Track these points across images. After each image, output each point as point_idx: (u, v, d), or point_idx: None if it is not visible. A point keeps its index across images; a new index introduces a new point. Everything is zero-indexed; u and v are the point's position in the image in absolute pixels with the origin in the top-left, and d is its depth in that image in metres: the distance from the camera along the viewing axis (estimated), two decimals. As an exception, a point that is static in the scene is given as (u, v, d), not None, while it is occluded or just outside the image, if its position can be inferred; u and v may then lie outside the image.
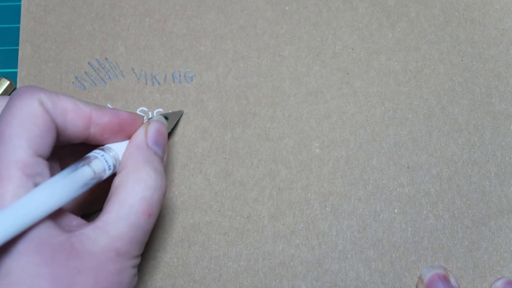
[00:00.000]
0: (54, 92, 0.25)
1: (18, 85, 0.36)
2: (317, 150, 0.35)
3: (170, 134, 0.34)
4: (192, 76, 0.36)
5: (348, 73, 0.37)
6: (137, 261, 0.26)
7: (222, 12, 0.38)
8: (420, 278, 0.32)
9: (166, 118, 0.32)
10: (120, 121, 0.27)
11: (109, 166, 0.25)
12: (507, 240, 0.34)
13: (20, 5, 0.38)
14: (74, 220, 0.25)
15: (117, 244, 0.24)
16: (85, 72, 0.37)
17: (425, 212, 0.34)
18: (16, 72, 0.37)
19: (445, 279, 0.31)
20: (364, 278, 0.33)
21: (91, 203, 0.31)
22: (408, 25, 0.37)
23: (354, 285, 0.33)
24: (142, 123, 0.29)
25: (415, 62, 0.37)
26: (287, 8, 0.38)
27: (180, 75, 0.36)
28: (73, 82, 0.36)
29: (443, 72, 0.37)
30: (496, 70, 0.37)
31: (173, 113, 0.34)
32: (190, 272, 0.33)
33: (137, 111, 0.36)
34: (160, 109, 0.36)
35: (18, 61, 0.37)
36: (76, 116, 0.25)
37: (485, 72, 0.37)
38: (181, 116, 0.35)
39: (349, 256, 0.33)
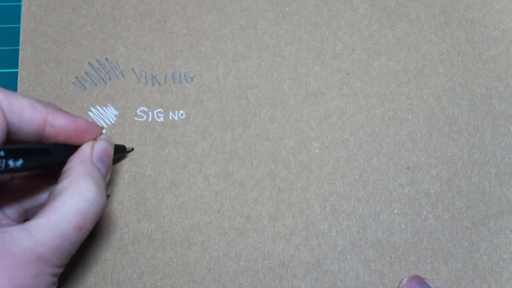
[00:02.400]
0: (12, 91, 0.25)
1: (18, 85, 0.36)
2: (317, 151, 0.35)
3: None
4: (192, 76, 0.36)
5: (348, 74, 0.37)
6: (59, 270, 0.25)
7: (223, 13, 0.38)
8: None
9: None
10: (76, 127, 0.27)
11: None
12: (506, 241, 0.34)
13: (20, 5, 0.38)
14: (5, 220, 0.25)
15: (39, 249, 0.23)
16: (85, 72, 0.37)
17: (424, 212, 0.34)
18: (16, 72, 0.37)
19: (422, 280, 0.31)
20: (364, 279, 0.33)
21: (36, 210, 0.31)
22: (408, 25, 0.37)
23: (354, 285, 0.33)
24: (100, 134, 0.29)
25: (415, 63, 0.37)
26: (287, 8, 0.38)
27: (180, 75, 0.36)
28: (73, 82, 0.36)
29: (443, 73, 0.37)
30: (496, 71, 0.37)
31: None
32: (189, 272, 0.33)
33: (137, 111, 0.36)
34: (160, 109, 0.36)
35: (19, 61, 0.37)
36: (31, 116, 0.26)
37: (485, 73, 0.37)
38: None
39: (348, 256, 0.33)
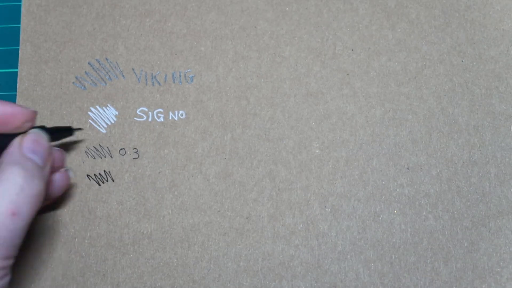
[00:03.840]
0: None
1: (18, 85, 0.36)
2: (317, 151, 0.35)
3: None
4: (192, 76, 0.36)
5: (348, 74, 0.37)
6: (6, 262, 0.25)
7: (223, 13, 0.38)
8: None
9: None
10: (3, 112, 0.27)
11: None
12: (506, 241, 0.34)
13: (20, 5, 0.38)
14: None
15: None
16: (85, 72, 0.37)
17: (424, 213, 0.34)
18: (16, 72, 0.37)
19: None
20: (364, 279, 0.33)
21: None
22: (408, 26, 0.37)
23: (354, 285, 0.33)
24: (33, 118, 0.29)
25: (415, 63, 0.37)
26: (287, 8, 0.38)
27: (180, 76, 0.36)
28: (73, 82, 0.36)
29: (443, 73, 0.37)
30: (496, 71, 0.37)
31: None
32: (189, 272, 0.33)
33: (137, 111, 0.36)
34: (160, 109, 0.36)
35: (19, 61, 0.37)
36: None
37: (485, 73, 0.37)
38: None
39: (348, 256, 0.33)
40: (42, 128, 0.30)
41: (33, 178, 0.25)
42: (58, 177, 0.31)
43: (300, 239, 0.34)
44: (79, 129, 0.35)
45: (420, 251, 0.33)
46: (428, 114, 0.36)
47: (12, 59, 0.38)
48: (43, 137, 0.29)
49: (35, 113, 0.29)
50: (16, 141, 0.28)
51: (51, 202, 0.33)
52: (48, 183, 0.29)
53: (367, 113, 0.36)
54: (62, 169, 0.32)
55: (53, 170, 0.31)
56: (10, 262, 0.25)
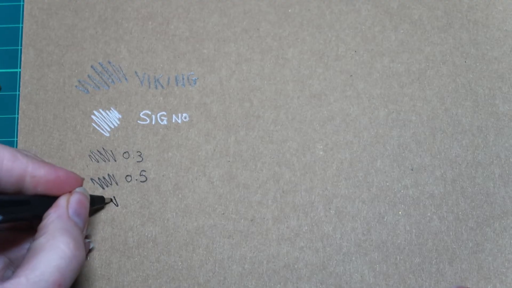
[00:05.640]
0: None
1: (21, 89, 0.36)
2: (321, 153, 0.35)
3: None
4: (195, 79, 0.36)
5: (351, 75, 0.37)
6: None
7: (225, 15, 0.38)
8: None
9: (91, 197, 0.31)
10: (57, 178, 0.27)
11: None
12: (511, 241, 0.34)
13: (20, 5, 0.38)
14: None
15: None
16: (88, 75, 0.36)
17: (429, 214, 0.34)
18: (16, 72, 0.37)
19: None
20: (369, 281, 0.33)
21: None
22: (411, 27, 0.37)
23: (359, 287, 0.33)
24: (81, 185, 0.29)
25: (418, 64, 0.37)
26: (290, 10, 0.38)
27: (183, 78, 0.36)
28: (76, 86, 0.36)
29: (446, 74, 0.37)
30: (499, 71, 0.37)
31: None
32: (194, 275, 0.33)
33: (141, 115, 0.36)
34: (164, 112, 0.36)
35: (21, 64, 0.37)
36: (12, 166, 0.25)
37: (488, 74, 0.37)
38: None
39: (353, 258, 0.33)
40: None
41: (80, 249, 0.25)
42: None
43: (305, 241, 0.34)
44: (110, 200, 0.34)
45: (425, 252, 0.33)
46: (432, 115, 0.36)
47: (12, 59, 0.37)
48: (87, 197, 0.29)
49: (83, 179, 0.29)
50: (63, 202, 0.27)
51: None
52: None
53: (371, 115, 0.36)
54: (85, 239, 0.32)
55: None
56: None
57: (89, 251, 0.33)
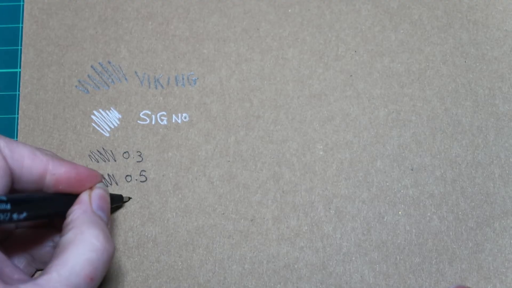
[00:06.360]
0: (12, 139, 0.25)
1: (21, 89, 0.36)
2: (321, 153, 0.35)
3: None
4: (195, 79, 0.36)
5: (351, 75, 0.37)
6: None
7: (225, 15, 0.38)
8: None
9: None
10: (77, 175, 0.27)
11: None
12: (511, 241, 0.34)
13: (20, 5, 0.38)
14: (16, 274, 0.25)
15: None
16: (88, 75, 0.36)
17: (429, 214, 0.34)
18: (16, 72, 0.37)
19: None
20: (369, 281, 0.33)
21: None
22: (411, 27, 0.37)
23: (359, 287, 0.33)
24: (101, 181, 0.29)
25: (418, 64, 0.37)
26: (290, 10, 0.38)
27: (183, 78, 0.36)
28: (76, 86, 0.36)
29: (447, 74, 0.37)
30: (499, 71, 0.37)
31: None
32: (194, 275, 0.33)
33: (141, 115, 0.36)
34: (164, 112, 0.36)
35: (21, 64, 0.37)
36: (32, 164, 0.25)
37: (488, 74, 0.37)
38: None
39: (353, 258, 0.33)
40: None
41: (109, 241, 0.25)
42: None
43: (305, 241, 0.34)
44: (128, 199, 0.34)
45: (425, 252, 0.33)
46: (432, 115, 0.36)
47: (12, 59, 0.37)
48: (107, 192, 0.29)
49: (102, 176, 0.29)
50: (85, 197, 0.27)
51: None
52: None
53: (371, 115, 0.36)
54: None
55: None
56: None
57: None
